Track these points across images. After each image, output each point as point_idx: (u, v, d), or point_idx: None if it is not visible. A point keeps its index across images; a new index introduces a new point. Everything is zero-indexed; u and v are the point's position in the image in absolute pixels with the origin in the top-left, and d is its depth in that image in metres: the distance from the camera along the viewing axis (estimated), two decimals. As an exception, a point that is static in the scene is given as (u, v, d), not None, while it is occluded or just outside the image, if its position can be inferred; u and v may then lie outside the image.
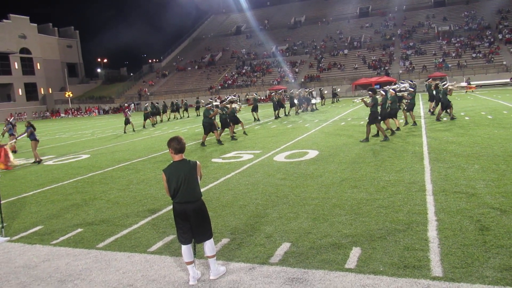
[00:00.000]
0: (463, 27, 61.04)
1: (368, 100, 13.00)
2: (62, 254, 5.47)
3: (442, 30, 61.94)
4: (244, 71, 67.67)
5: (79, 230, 6.39)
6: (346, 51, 61.16)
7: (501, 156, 9.13)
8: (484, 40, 55.79)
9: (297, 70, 62.71)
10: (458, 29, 61.03)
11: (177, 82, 71.06)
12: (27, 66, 75.64)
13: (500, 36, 55.47)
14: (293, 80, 58.59)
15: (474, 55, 53.26)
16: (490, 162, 8.69)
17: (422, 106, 25.57)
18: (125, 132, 23.63)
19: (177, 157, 4.34)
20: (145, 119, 26.98)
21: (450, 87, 16.94)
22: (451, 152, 10.07)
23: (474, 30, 59.16)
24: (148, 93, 68.02)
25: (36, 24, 77.64)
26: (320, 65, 62.25)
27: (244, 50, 74.63)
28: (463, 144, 11.12)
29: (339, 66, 60.42)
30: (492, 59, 50.59)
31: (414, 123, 16.07)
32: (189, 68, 75.05)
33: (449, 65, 51.90)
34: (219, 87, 63.48)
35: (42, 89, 77.02)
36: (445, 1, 71.72)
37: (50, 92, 77.47)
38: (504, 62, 48.51)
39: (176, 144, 4.29)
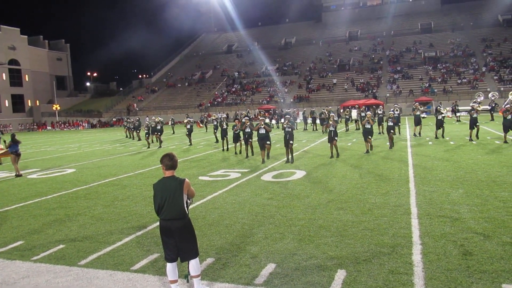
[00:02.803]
0: (449, 54, 62.63)
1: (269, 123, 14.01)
2: (43, 271, 5.34)
3: (429, 56, 63.45)
4: (234, 89, 68.09)
5: (61, 246, 6.26)
6: (335, 81, 61.86)
7: (484, 182, 9.29)
8: (469, 67, 57.25)
9: (286, 90, 63.32)
10: (444, 56, 62.59)
11: (167, 98, 71.08)
12: (15, 77, 75.04)
13: (484, 67, 56.93)
14: (282, 100, 59.09)
15: (459, 81, 54.52)
16: (474, 187, 8.83)
17: (408, 129, 25.94)
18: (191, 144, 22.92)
19: (167, 173, 4.35)
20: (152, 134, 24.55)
21: None
22: (436, 176, 10.21)
23: (460, 57, 60.74)
24: (137, 109, 67.82)
25: (26, 36, 77.42)
26: (309, 86, 63.00)
27: (236, 73, 75.16)
28: (447, 168, 11.29)
29: (328, 87, 61.22)
30: (477, 85, 51.83)
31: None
32: (179, 85, 75.25)
33: (435, 90, 52.99)
34: (209, 105, 63.65)
35: (29, 101, 76.30)
36: (432, 28, 73.70)
37: (38, 104, 76.75)
38: (488, 89, 49.69)
39: (168, 161, 4.31)
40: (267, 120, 14.95)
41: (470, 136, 18.09)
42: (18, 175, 13.83)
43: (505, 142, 16.35)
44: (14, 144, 14.13)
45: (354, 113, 31.23)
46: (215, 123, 22.98)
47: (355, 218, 6.93)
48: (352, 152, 15.92)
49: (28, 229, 7.31)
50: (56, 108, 71.79)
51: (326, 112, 27.37)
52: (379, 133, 23.21)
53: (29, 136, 44.73)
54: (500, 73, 53.57)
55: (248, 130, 15.79)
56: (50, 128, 68.84)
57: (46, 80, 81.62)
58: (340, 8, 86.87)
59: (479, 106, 19.68)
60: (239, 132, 17.16)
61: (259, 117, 28.06)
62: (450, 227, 6.22)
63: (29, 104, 76.12)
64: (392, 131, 17.05)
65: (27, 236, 6.86)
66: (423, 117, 23.05)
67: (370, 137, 15.39)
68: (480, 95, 37.54)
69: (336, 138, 14.51)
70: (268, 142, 14.18)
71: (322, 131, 27.34)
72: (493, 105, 33.55)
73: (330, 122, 14.73)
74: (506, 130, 16.71)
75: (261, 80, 68.60)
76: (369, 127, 15.37)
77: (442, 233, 5.94)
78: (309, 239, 5.96)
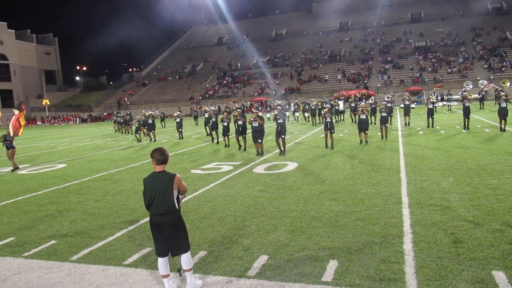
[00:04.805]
0: (439, 43, 62.87)
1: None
2: (34, 267, 5.31)
3: (419, 46, 63.64)
4: (225, 82, 67.82)
5: (53, 242, 6.22)
6: (327, 76, 61.51)
7: (474, 170, 9.37)
8: (459, 56, 57.55)
9: (277, 82, 63.22)
10: (434, 45, 62.84)
11: (158, 92, 70.62)
12: (3, 72, 74.03)
13: (474, 54, 57.30)
14: (273, 92, 59.01)
15: (449, 70, 54.81)
16: (464, 175, 8.91)
17: (399, 119, 26.06)
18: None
19: (158, 168, 4.31)
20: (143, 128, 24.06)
21: None
22: (427, 165, 10.28)
23: (450, 46, 60.99)
24: (128, 102, 67.31)
25: (14, 30, 76.23)
26: (301, 77, 62.94)
27: (229, 65, 74.73)
28: (438, 157, 11.37)
29: (319, 78, 61.22)
30: (467, 74, 52.15)
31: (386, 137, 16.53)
32: (170, 78, 74.76)
33: (426, 80, 53.24)
34: (200, 98, 63.38)
35: (18, 96, 75.33)
36: (422, 18, 73.85)
37: (27, 99, 75.84)
38: (478, 78, 50.03)
39: (159, 155, 4.27)
40: (259, 113, 14.75)
41: (464, 125, 18.14)
42: (14, 169, 13.95)
43: (500, 129, 16.38)
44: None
45: (341, 104, 31.19)
46: (206, 116, 22.81)
47: (347, 208, 6.96)
48: (344, 143, 15.97)
49: (19, 225, 7.25)
50: (46, 103, 71.01)
51: (319, 104, 27.39)
52: (373, 123, 23.25)
53: (19, 132, 44.18)
54: (489, 62, 53.93)
55: (240, 122, 15.71)
56: (40, 123, 68.14)
57: (35, 74, 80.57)
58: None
59: (470, 95, 19.80)
60: (228, 124, 17.12)
61: (252, 109, 27.95)
62: (441, 215, 6.28)
63: (18, 99, 75.18)
64: (386, 124, 16.86)
65: (18, 232, 6.81)
66: (413, 107, 23.12)
67: (366, 132, 15.37)
68: (469, 83, 37.74)
69: (333, 130, 14.54)
70: (259, 141, 14.07)
71: (312, 122, 27.33)
72: (483, 93, 33.74)
73: (326, 114, 14.73)
74: (501, 118, 16.57)
75: (252, 72, 68.38)
76: (364, 117, 15.36)
77: (433, 222, 6.00)
78: (301, 230, 5.98)
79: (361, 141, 15.44)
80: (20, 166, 14.52)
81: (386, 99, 20.18)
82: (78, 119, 66.84)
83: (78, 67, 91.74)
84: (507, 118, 16.54)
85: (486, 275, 4.27)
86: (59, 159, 16.78)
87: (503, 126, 16.48)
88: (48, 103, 71.58)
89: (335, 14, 79.60)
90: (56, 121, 67.45)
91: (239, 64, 72.29)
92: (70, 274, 5.01)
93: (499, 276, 4.25)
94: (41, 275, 5.02)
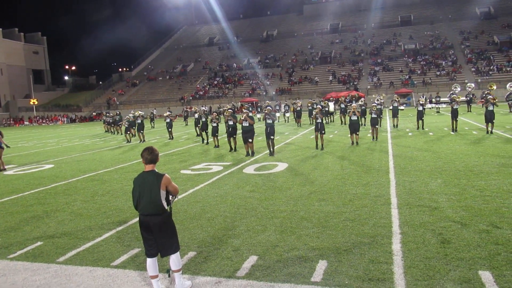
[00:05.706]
0: (428, 46, 63.53)
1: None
2: (19, 269, 5.22)
3: (408, 48, 64.24)
4: (216, 82, 67.70)
5: (39, 243, 6.13)
6: (317, 78, 61.55)
7: (462, 171, 9.47)
8: (448, 59, 58.20)
9: (268, 82, 63.29)
10: (423, 48, 63.47)
11: (148, 92, 70.22)
12: (-10, 71, 72.91)
13: (462, 57, 57.97)
14: (264, 93, 59.06)
15: (438, 73, 55.40)
16: (452, 176, 8.99)
17: (388, 121, 26.25)
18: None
19: (147, 167, 4.29)
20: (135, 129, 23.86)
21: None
22: (416, 167, 10.36)
23: (438, 49, 61.67)
24: (118, 102, 66.80)
25: (0, 29, 75.19)
26: (291, 78, 63.10)
27: (220, 65, 74.54)
28: (427, 159, 11.47)
29: (309, 79, 61.43)
30: (455, 77, 52.75)
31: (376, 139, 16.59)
32: (160, 78, 74.39)
33: (415, 82, 53.74)
34: (190, 98, 63.16)
35: (5, 95, 74.31)
36: (411, 21, 74.53)
37: (14, 99, 74.84)
38: (466, 81, 50.68)
39: (147, 155, 4.25)
40: (250, 114, 14.70)
41: (452, 127, 18.27)
42: (2, 170, 13.69)
43: (487, 132, 16.49)
44: None
45: (332, 106, 31.33)
46: (196, 116, 22.73)
47: (336, 209, 6.98)
48: (334, 144, 16.03)
49: (4, 226, 7.13)
50: (34, 102, 70.11)
51: (310, 104, 27.44)
52: (363, 125, 23.37)
53: (6, 132, 43.55)
54: (477, 65, 54.62)
55: (231, 122, 15.66)
56: (27, 123, 67.23)
57: (23, 74, 79.52)
58: (322, 1, 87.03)
59: (459, 97, 19.97)
60: (218, 125, 17.06)
61: (243, 109, 27.86)
62: (429, 216, 6.33)
63: (5, 99, 74.15)
64: (376, 125, 16.92)
65: (3, 234, 6.70)
66: (401, 109, 23.28)
67: (357, 133, 15.43)
68: (457, 86, 38.20)
69: (323, 131, 14.56)
70: (250, 140, 14.02)
71: (298, 124, 27.32)
72: (471, 96, 34.17)
73: (317, 115, 14.74)
74: (487, 121, 16.68)
75: (243, 73, 68.38)
76: (355, 118, 15.43)
77: (421, 222, 6.04)
78: (290, 231, 5.98)
79: (352, 142, 15.49)
80: (6, 167, 14.31)
81: (376, 102, 20.29)
82: (66, 119, 66.13)
83: (67, 67, 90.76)
84: (494, 120, 16.71)
85: (473, 275, 4.31)
86: (46, 159, 16.57)
87: (490, 129, 16.64)
88: (36, 103, 70.67)
89: (326, 16, 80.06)
90: (44, 121, 66.62)
91: (234, 64, 72.20)
92: (56, 275, 4.94)
93: (486, 276, 4.29)
94: (27, 277, 4.94)
